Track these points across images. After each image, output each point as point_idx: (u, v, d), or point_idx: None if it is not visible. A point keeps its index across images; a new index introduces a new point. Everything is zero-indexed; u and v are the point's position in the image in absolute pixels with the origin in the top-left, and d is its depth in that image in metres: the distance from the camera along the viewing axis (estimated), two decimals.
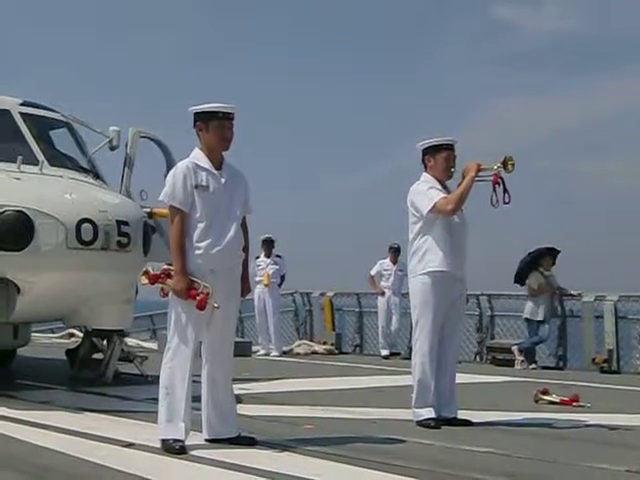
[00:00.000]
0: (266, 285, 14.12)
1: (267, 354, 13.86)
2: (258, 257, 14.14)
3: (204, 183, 5.14)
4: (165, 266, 5.16)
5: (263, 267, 14.15)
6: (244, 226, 5.35)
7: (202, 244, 5.08)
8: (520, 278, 12.99)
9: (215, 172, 5.19)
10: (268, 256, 14.22)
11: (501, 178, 6.26)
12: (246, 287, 5.40)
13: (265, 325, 14.22)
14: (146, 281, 5.21)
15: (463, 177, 6.30)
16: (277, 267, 14.26)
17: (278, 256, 14.36)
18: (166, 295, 5.16)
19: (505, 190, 6.27)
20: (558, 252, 13.05)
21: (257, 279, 14.01)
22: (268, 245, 14.23)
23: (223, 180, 5.20)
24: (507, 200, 6.30)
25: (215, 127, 5.19)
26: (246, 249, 5.35)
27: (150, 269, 5.26)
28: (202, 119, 5.23)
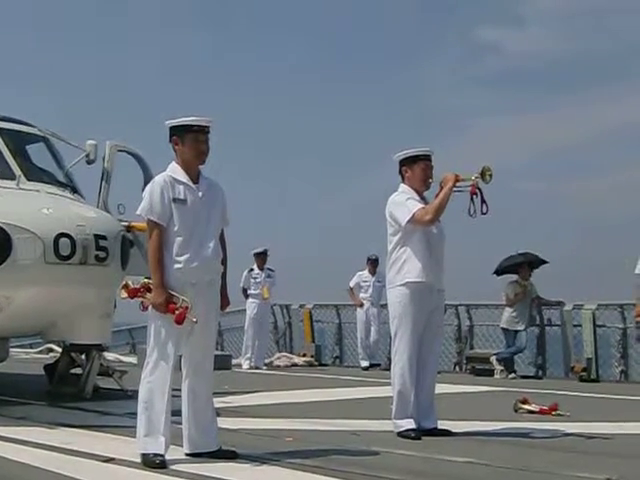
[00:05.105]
0: (266, 299, 14.00)
1: (255, 367, 13.68)
2: (252, 270, 13.96)
3: (182, 197, 5.14)
4: (145, 280, 5.15)
5: (259, 280, 13.94)
6: (222, 239, 5.35)
7: (181, 258, 5.07)
8: (498, 272, 13.26)
9: (192, 186, 5.18)
10: (262, 269, 14.03)
11: (479, 189, 6.27)
12: (225, 300, 5.39)
13: (256, 338, 13.97)
14: (126, 295, 5.19)
15: (441, 188, 6.32)
16: (271, 280, 14.11)
17: (270, 269, 14.15)
18: (146, 309, 5.14)
19: (483, 200, 6.27)
20: (542, 262, 13.12)
21: (252, 292, 13.91)
22: (263, 258, 14.04)
23: (200, 193, 5.19)
24: (485, 210, 6.30)
25: (190, 141, 5.18)
26: (225, 262, 5.34)
27: (130, 283, 5.25)
28: (177, 133, 5.22)
